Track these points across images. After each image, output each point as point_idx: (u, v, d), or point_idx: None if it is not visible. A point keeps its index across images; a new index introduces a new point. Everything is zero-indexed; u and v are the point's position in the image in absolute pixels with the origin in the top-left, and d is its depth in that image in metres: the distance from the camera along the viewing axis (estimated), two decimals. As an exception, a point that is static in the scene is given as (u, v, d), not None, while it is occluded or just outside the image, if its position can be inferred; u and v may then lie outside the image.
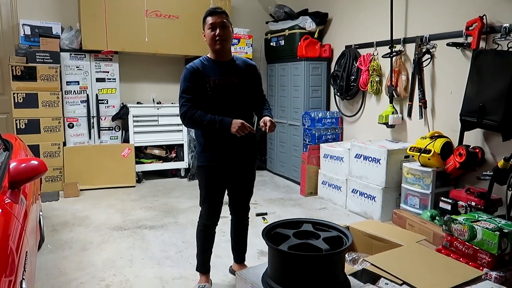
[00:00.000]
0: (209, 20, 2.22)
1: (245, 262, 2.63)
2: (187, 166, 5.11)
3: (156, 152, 5.09)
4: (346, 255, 1.86)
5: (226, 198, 2.47)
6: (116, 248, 3.07)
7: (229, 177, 2.38)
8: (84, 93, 4.63)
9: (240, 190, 2.48)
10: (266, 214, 3.79)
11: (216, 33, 2.20)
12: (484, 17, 3.03)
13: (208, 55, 2.33)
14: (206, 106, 2.21)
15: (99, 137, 4.77)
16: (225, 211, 2.55)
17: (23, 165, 1.82)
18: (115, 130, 4.85)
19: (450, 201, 3.02)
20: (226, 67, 2.30)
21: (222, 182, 2.37)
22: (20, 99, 4.25)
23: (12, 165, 1.79)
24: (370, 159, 3.69)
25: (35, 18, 4.53)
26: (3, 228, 1.44)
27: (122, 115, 4.76)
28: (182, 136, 5.06)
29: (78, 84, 4.60)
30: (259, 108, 2.42)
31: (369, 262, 1.78)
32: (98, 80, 4.68)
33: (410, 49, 3.77)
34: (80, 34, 4.46)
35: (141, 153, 5.01)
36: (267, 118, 2.23)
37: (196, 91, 2.22)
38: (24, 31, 4.43)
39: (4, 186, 1.71)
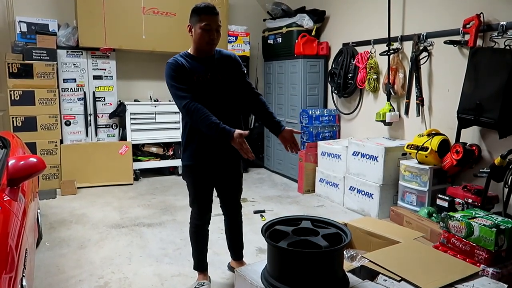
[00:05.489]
0: (205, 19, 2.11)
1: (243, 259, 2.63)
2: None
3: (154, 149, 5.08)
4: (345, 252, 1.87)
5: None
6: (114, 245, 3.06)
7: (214, 175, 2.35)
8: (81, 90, 4.61)
9: (228, 189, 2.46)
10: (264, 211, 3.80)
11: (211, 37, 2.13)
12: (481, 15, 3.04)
13: (189, 51, 2.25)
14: None
15: (96, 134, 4.75)
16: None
17: (22, 162, 1.82)
18: (112, 128, 4.84)
19: (447, 198, 3.04)
20: (210, 64, 2.23)
21: (209, 181, 2.34)
22: (17, 96, 4.22)
23: (11, 162, 1.79)
24: (367, 156, 3.70)
25: (31, 15, 4.49)
26: (2, 225, 1.44)
27: (119, 112, 4.75)
28: (179, 133, 5.04)
29: (75, 81, 4.58)
30: (255, 102, 2.32)
31: (367, 259, 1.79)
32: (95, 77, 4.66)
33: (408, 47, 3.78)
34: (77, 31, 4.44)
35: (138, 150, 5.00)
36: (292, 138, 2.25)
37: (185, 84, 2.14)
38: (20, 28, 4.39)
39: (2, 184, 1.71)
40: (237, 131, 2.03)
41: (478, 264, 2.03)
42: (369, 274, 1.70)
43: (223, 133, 2.03)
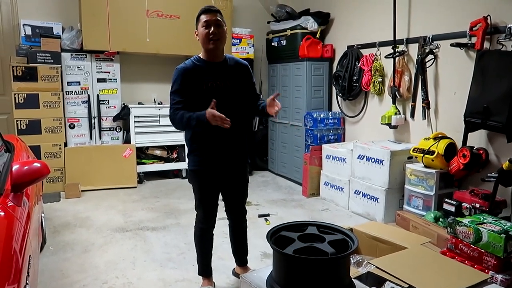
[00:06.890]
0: (203, 18, 2.16)
1: (248, 265, 2.61)
2: (189, 167, 5.10)
3: (158, 152, 5.07)
4: (351, 258, 1.84)
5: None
6: (118, 250, 3.05)
7: (220, 181, 2.35)
8: (85, 93, 4.61)
9: (233, 194, 2.45)
10: (268, 215, 3.78)
11: (210, 31, 2.14)
12: (488, 17, 3.01)
13: (200, 55, 2.26)
14: (199, 109, 2.14)
15: (100, 137, 4.75)
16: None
17: (26, 167, 1.80)
18: (116, 131, 4.84)
19: (454, 202, 3.01)
20: (220, 69, 2.24)
21: (215, 186, 2.34)
22: (21, 99, 4.23)
23: (15, 167, 1.78)
24: (373, 160, 3.67)
25: (36, 18, 4.51)
26: (6, 232, 1.42)
27: (123, 115, 4.75)
28: (183, 136, 5.01)
29: (79, 84, 4.58)
30: (256, 106, 2.37)
31: (374, 265, 1.77)
32: (99, 80, 4.66)
33: (413, 49, 3.75)
34: (81, 34, 4.44)
35: (142, 153, 4.99)
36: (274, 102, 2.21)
37: (188, 93, 2.17)
38: (25, 31, 4.41)
39: (6, 189, 1.69)
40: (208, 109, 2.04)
41: (486, 271, 2.00)
42: (375, 281, 1.68)
43: (199, 119, 2.07)
